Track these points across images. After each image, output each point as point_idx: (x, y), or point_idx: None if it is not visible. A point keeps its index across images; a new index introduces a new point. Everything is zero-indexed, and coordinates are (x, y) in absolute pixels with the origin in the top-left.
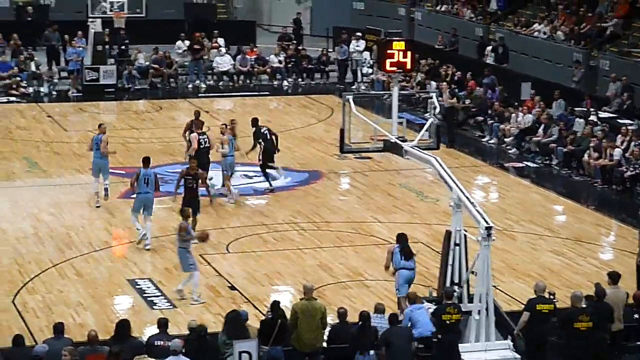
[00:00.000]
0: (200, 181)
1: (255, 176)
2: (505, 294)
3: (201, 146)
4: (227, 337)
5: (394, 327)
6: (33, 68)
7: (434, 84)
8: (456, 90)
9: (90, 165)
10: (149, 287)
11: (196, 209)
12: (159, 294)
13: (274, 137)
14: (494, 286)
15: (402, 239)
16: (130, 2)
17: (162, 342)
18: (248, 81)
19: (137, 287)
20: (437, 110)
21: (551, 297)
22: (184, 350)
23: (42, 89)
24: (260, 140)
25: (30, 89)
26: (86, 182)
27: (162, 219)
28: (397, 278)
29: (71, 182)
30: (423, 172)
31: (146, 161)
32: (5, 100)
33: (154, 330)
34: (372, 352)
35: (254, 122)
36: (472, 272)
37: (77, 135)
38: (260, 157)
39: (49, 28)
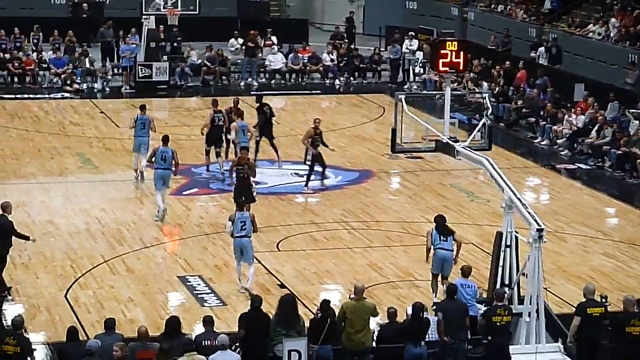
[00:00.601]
0: (251, 170)
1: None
2: (556, 296)
3: (215, 123)
4: (278, 322)
5: (449, 299)
6: (87, 64)
7: (485, 84)
8: (505, 88)
9: None
10: (199, 284)
11: (248, 198)
12: (209, 291)
13: (273, 119)
14: (545, 288)
15: (438, 219)
16: (183, 0)
17: (209, 341)
18: (300, 79)
19: (188, 284)
20: (489, 110)
21: (603, 300)
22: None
23: (95, 85)
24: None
25: (84, 85)
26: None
27: (212, 215)
28: (433, 257)
29: (123, 178)
30: (474, 172)
31: (165, 139)
32: (60, 96)
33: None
34: (423, 342)
35: (258, 98)
36: (523, 274)
37: (129, 132)
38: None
39: (104, 25)
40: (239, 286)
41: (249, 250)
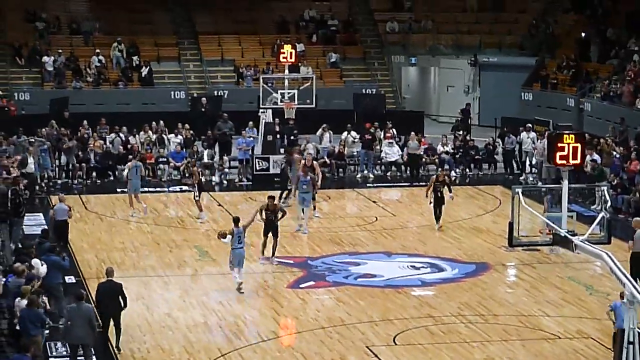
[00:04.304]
0: (279, 214)
1: (423, 267)
2: None
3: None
4: None
5: None
6: (205, 158)
7: (597, 156)
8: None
9: None
10: None
11: (275, 234)
12: None
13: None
14: None
15: None
16: (300, 93)
17: None
18: (416, 171)
19: None
20: (608, 203)
21: None
22: None
23: (213, 178)
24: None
25: (202, 178)
26: (255, 271)
27: (329, 308)
28: None
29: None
30: (592, 264)
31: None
32: (178, 189)
33: None
34: None
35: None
36: None
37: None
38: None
39: (220, 118)
40: (236, 284)
41: (243, 259)
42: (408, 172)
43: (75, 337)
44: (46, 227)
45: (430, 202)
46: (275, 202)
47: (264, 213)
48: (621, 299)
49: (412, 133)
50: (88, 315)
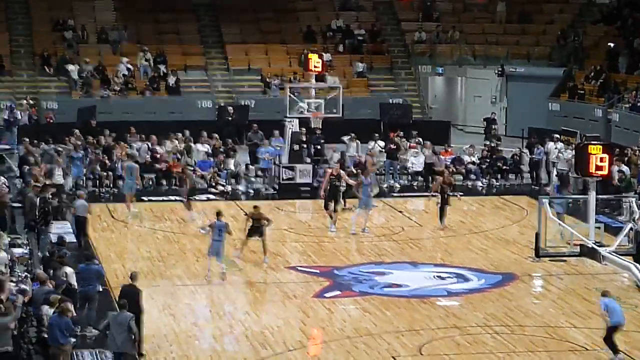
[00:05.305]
0: (263, 222)
1: (449, 277)
2: None
3: (332, 182)
4: None
5: None
6: (231, 167)
7: (625, 168)
8: None
9: None
10: None
11: (261, 235)
12: None
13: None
14: None
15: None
16: (327, 103)
17: None
18: (432, 179)
19: None
20: (636, 214)
21: None
22: None
23: (239, 187)
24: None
25: (229, 187)
26: (281, 280)
27: (355, 319)
28: None
29: (266, 280)
30: (620, 276)
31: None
32: (205, 198)
33: None
34: None
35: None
36: None
37: (274, 234)
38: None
39: (251, 129)
40: (208, 277)
41: (222, 252)
42: (431, 181)
43: (114, 345)
44: (63, 236)
45: (438, 203)
46: (260, 210)
47: (250, 220)
48: (602, 297)
49: (428, 142)
50: (126, 323)
